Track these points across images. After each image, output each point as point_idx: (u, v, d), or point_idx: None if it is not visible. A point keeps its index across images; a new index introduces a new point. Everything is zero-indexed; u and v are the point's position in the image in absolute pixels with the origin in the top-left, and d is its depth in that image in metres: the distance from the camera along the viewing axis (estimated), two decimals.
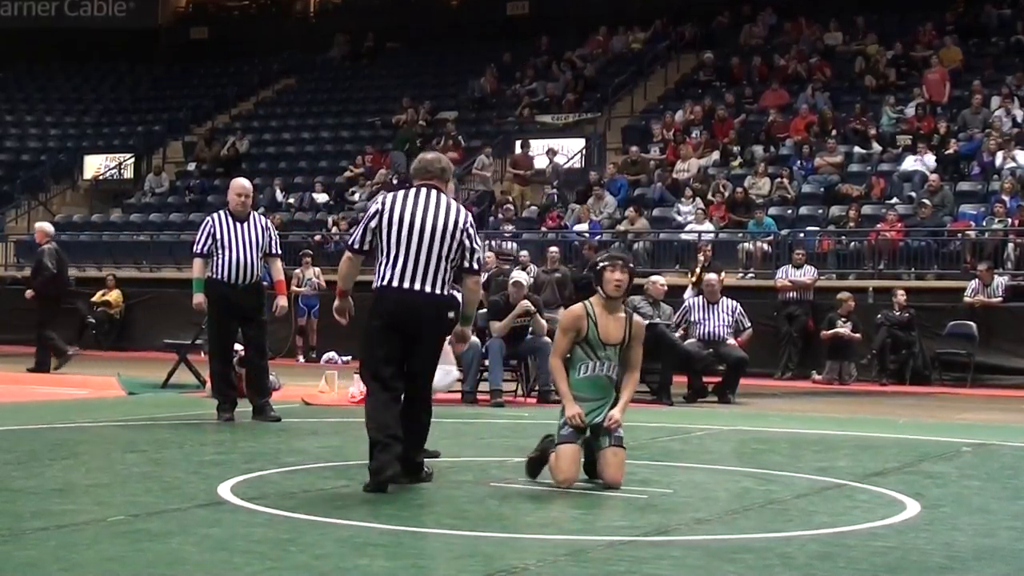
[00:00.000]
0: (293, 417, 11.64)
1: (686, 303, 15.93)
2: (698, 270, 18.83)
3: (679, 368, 15.05)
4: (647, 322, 14.65)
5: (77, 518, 6.37)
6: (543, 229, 23.82)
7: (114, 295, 24.34)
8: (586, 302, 7.82)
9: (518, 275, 15.05)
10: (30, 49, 36.92)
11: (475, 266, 7.63)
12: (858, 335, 18.42)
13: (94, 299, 24.34)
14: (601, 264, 7.77)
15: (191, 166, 31.20)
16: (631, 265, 7.81)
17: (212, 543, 5.83)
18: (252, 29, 38.13)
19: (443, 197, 7.74)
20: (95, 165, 32.26)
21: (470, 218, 7.75)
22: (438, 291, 7.57)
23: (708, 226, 22.28)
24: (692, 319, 15.36)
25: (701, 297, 15.68)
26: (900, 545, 6.13)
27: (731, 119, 26.24)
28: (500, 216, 24.21)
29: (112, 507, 6.79)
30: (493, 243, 22.42)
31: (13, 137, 35.31)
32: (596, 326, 7.65)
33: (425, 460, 7.87)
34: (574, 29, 32.19)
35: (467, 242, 7.60)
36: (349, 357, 20.74)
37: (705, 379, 15.36)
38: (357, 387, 13.43)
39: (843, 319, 18.51)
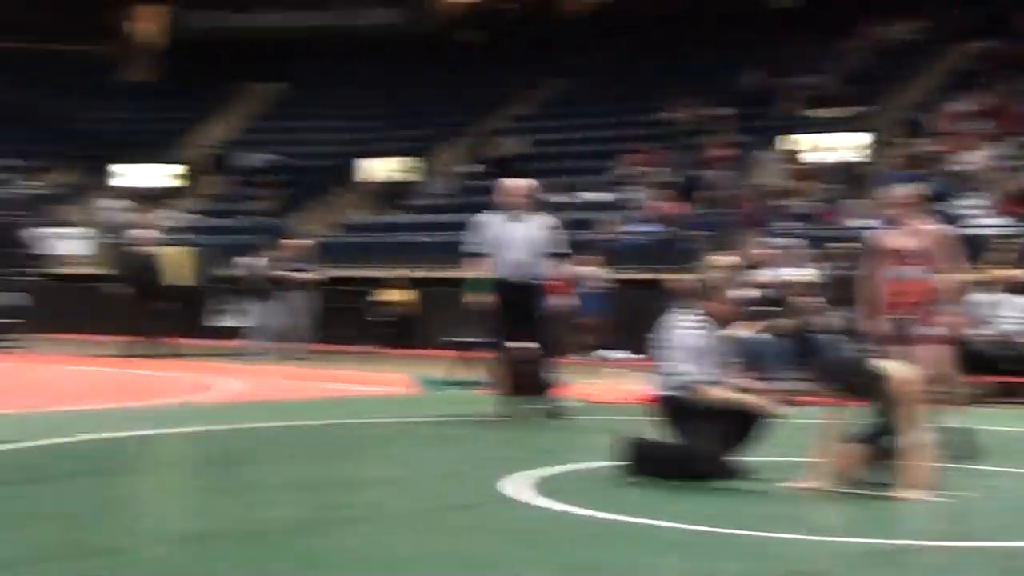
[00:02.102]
0: (576, 415, 11.77)
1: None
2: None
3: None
4: None
5: (382, 510, 6.68)
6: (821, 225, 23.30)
7: (399, 293, 25.08)
8: None
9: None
10: (309, 56, 38.39)
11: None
12: None
13: (379, 298, 25.11)
14: None
15: (468, 167, 31.90)
16: None
17: (505, 538, 6.02)
18: (525, 30, 38.60)
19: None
20: (374, 168, 33.40)
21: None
22: None
23: (996, 220, 21.42)
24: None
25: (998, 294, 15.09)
26: None
27: (1018, 108, 25.14)
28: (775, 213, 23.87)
29: (413, 499, 7.09)
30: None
31: (297, 143, 36.77)
32: None
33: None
34: (845, 20, 31.47)
35: None
36: (628, 354, 20.70)
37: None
38: (634, 384, 13.52)
39: None
